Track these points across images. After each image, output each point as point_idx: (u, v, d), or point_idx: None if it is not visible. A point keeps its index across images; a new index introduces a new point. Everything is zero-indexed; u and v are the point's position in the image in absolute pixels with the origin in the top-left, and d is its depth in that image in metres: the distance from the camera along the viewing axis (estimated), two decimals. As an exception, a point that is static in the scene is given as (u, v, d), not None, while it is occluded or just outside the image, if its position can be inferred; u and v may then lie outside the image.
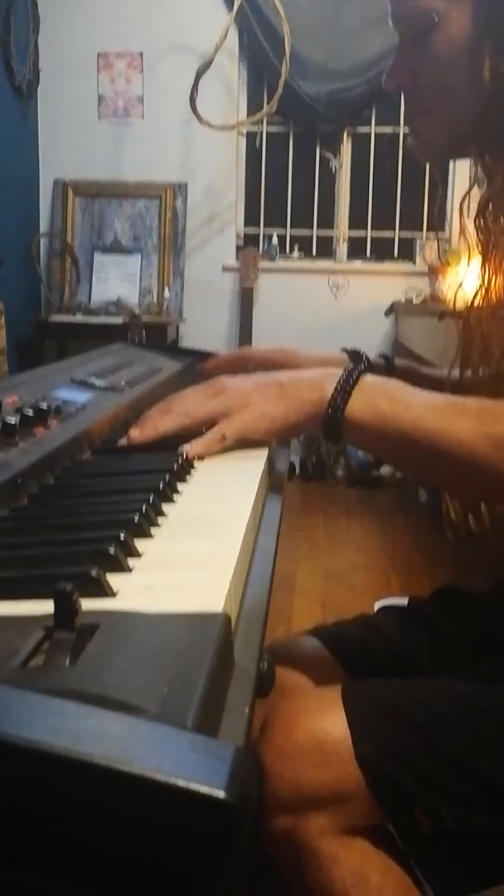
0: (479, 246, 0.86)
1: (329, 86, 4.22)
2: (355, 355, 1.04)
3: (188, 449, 0.78)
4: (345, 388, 0.74)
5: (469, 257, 0.89)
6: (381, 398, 0.74)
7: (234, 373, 0.87)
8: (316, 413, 0.76)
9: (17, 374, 1.11)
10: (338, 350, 1.07)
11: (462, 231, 0.86)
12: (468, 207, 0.85)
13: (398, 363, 1.05)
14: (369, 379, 0.76)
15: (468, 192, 0.87)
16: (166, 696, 0.34)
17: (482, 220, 0.85)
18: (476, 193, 0.86)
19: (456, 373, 0.91)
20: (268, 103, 4.24)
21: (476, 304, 0.86)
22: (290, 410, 0.77)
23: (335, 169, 4.50)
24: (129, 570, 0.50)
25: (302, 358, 1.04)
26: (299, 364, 1.00)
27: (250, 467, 0.77)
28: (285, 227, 4.54)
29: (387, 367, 1.04)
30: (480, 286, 0.86)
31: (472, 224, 0.85)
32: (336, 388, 0.75)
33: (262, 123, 4.35)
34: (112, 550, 0.50)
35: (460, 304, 0.90)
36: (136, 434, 0.81)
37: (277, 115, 4.27)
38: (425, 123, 0.87)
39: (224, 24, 3.92)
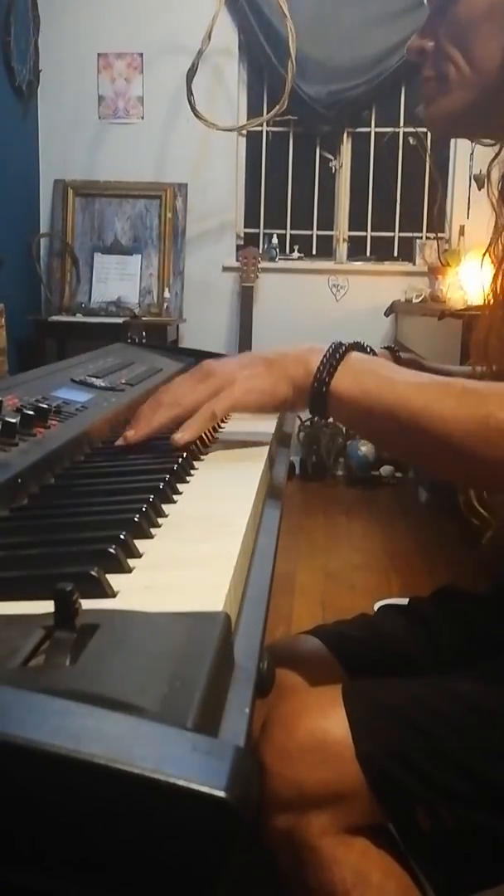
0: (501, 214, 0.85)
1: (329, 86, 4.22)
2: (357, 347, 1.03)
3: (177, 437, 0.78)
4: (330, 363, 0.75)
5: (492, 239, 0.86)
6: (367, 374, 0.74)
7: None
8: (302, 387, 0.76)
9: (17, 374, 1.11)
10: None
11: (488, 194, 0.85)
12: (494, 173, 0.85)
13: (403, 356, 1.04)
14: (355, 355, 0.76)
15: (497, 155, 0.86)
16: (166, 696, 0.33)
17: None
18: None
19: (481, 368, 0.90)
20: (268, 103, 4.24)
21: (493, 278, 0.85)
22: (278, 385, 0.77)
23: (335, 169, 4.50)
24: (130, 570, 0.50)
25: None
26: None
27: (250, 467, 0.77)
28: (285, 227, 4.54)
29: (392, 359, 1.03)
30: (496, 266, 0.85)
31: (497, 189, 0.85)
32: (322, 363, 0.75)
33: (263, 123, 4.34)
34: (112, 550, 0.50)
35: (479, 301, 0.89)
36: (132, 434, 0.81)
37: (278, 115, 4.26)
38: (441, 90, 0.84)
39: (220, 23, 3.90)
